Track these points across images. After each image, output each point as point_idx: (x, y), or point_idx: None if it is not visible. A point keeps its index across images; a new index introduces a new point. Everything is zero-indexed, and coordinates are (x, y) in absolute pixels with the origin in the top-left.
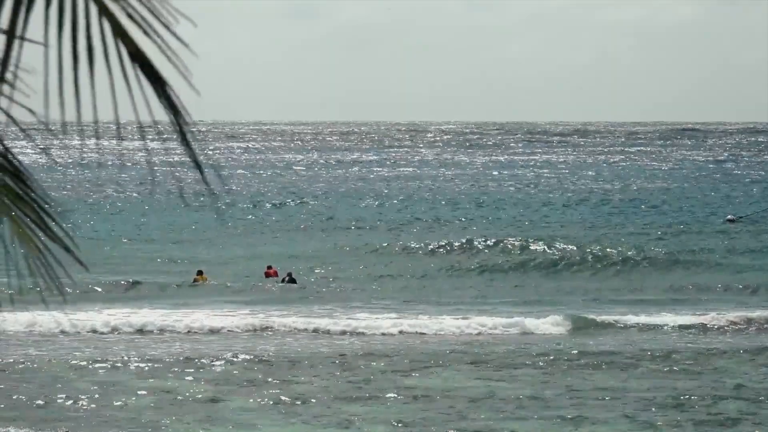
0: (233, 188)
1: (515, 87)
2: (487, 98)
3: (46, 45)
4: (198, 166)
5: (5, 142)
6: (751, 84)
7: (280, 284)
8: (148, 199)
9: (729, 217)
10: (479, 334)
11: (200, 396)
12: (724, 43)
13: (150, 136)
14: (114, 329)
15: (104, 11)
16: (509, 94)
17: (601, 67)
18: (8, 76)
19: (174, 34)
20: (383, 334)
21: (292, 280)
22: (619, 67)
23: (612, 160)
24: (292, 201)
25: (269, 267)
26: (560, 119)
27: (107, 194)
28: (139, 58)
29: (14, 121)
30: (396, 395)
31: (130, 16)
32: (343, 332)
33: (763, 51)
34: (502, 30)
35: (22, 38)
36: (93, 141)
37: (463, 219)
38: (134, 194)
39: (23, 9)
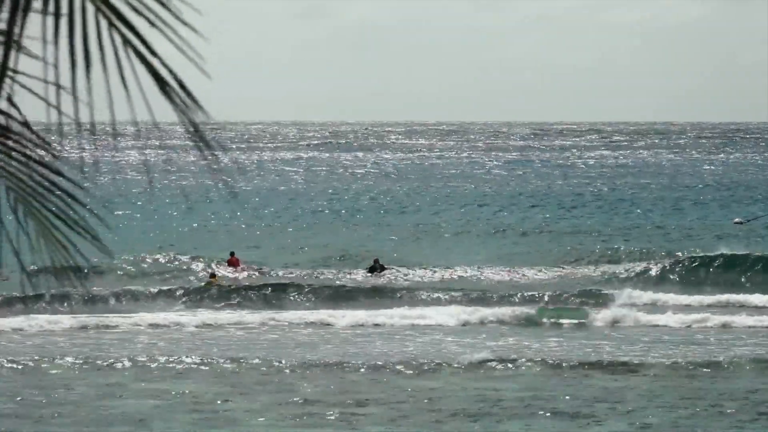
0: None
1: (520, 86)
2: (490, 98)
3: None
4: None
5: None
6: (756, 84)
7: (369, 273)
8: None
9: (737, 220)
10: None
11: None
12: (729, 43)
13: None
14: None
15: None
16: (514, 93)
17: (606, 67)
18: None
19: (182, 20)
20: None
21: (383, 267)
22: (624, 68)
23: None
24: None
25: (232, 254)
26: (564, 119)
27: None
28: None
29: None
30: None
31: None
32: None
33: None
34: (507, 30)
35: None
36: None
37: None
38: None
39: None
